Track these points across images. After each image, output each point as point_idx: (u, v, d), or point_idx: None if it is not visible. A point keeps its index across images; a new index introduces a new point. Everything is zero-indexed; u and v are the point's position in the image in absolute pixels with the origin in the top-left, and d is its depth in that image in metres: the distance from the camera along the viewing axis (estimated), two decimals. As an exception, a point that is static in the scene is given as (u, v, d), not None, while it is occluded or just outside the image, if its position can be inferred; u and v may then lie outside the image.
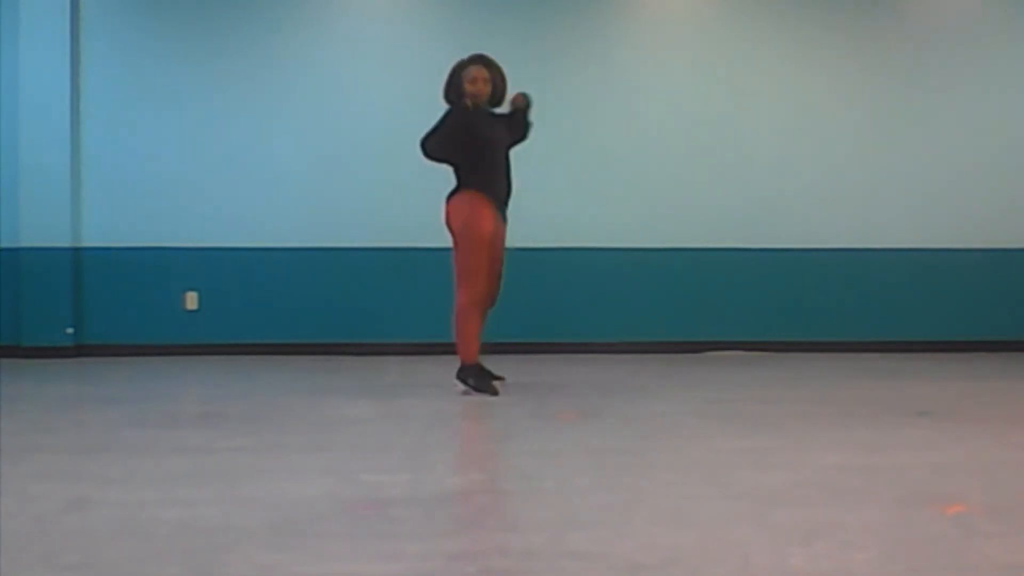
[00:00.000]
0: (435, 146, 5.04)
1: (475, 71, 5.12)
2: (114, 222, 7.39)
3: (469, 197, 5.06)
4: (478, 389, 5.06)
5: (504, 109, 5.36)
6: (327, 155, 7.50)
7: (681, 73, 7.74)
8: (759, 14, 7.78)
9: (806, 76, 7.81)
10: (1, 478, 3.06)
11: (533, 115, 5.41)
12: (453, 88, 5.15)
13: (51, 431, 4.13)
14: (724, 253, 7.68)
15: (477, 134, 5.04)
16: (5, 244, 7.33)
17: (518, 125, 5.34)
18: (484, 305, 5.09)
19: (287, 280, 7.48)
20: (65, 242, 7.31)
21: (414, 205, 7.11)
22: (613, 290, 7.63)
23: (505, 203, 5.19)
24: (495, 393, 5.02)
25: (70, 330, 7.31)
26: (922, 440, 3.86)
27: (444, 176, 5.23)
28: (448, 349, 7.26)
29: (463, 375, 5.11)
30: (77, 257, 7.37)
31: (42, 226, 7.28)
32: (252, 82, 7.49)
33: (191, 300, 7.46)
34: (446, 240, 5.25)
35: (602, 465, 3.37)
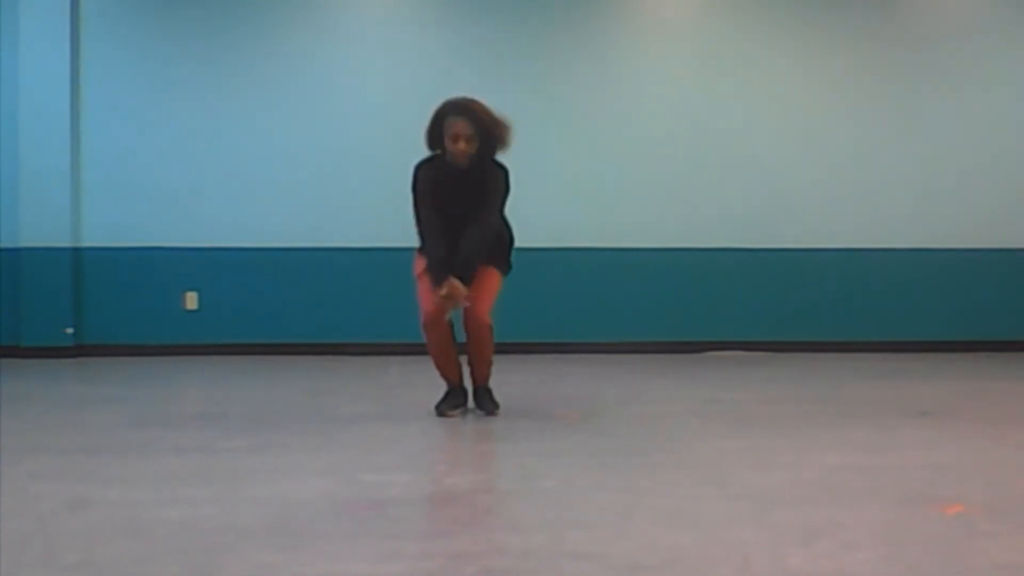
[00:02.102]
0: (424, 228, 4.50)
1: (458, 127, 4.40)
2: (114, 222, 7.39)
3: (420, 261, 4.58)
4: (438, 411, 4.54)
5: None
6: (327, 155, 7.50)
7: (681, 73, 7.73)
8: (759, 15, 7.77)
9: (806, 77, 7.80)
10: (1, 478, 3.06)
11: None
12: (435, 136, 4.52)
13: (51, 431, 4.12)
14: (724, 253, 7.68)
15: (433, 197, 4.48)
16: (5, 244, 7.33)
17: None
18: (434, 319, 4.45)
19: (287, 280, 7.48)
20: (65, 242, 7.30)
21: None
22: (613, 290, 7.62)
23: (463, 271, 4.41)
24: (440, 414, 4.50)
25: (70, 330, 7.30)
26: (922, 440, 3.86)
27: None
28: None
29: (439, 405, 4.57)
30: (77, 257, 7.37)
31: (42, 226, 7.27)
32: (252, 82, 7.49)
33: (191, 300, 7.45)
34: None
35: (602, 465, 3.37)
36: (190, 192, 7.42)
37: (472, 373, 4.66)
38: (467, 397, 4.64)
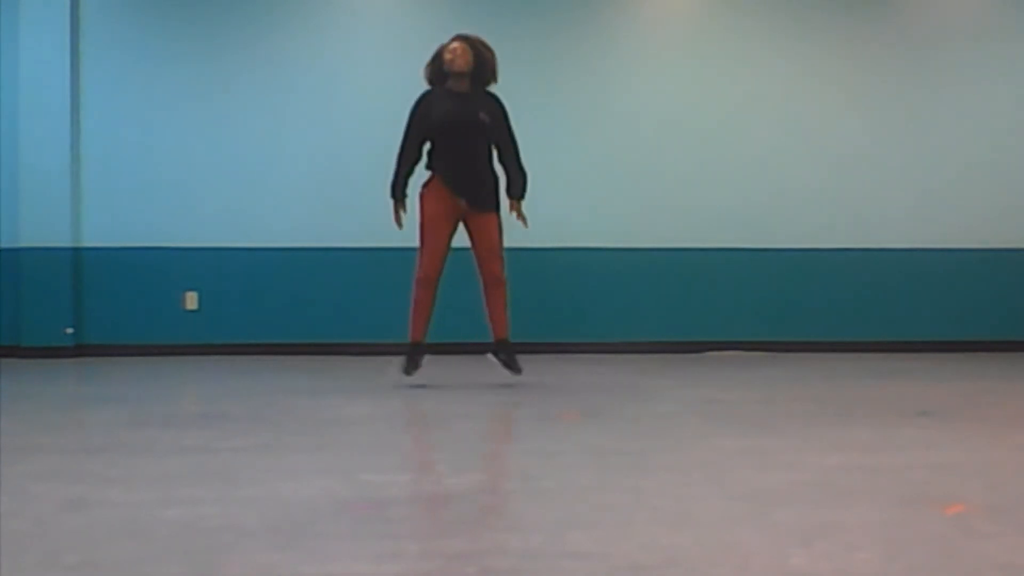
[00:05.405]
0: (401, 158, 5.27)
1: (454, 43, 5.15)
2: (114, 222, 7.39)
3: (426, 183, 5.28)
4: (404, 369, 5.30)
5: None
6: (327, 155, 7.50)
7: (681, 73, 7.73)
8: (760, 15, 7.77)
9: (806, 76, 7.80)
10: (1, 478, 3.06)
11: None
12: (435, 64, 5.19)
13: (51, 431, 4.12)
14: (724, 253, 7.67)
15: (431, 119, 5.14)
16: (5, 244, 7.33)
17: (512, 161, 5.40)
18: (428, 284, 5.22)
19: (287, 280, 7.48)
20: (65, 242, 7.31)
21: (413, 205, 7.09)
22: (613, 290, 7.62)
23: (474, 188, 5.22)
24: (406, 374, 5.27)
25: (70, 330, 7.30)
26: (922, 440, 3.86)
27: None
28: (447, 349, 7.27)
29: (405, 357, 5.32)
30: (77, 257, 7.37)
31: (42, 226, 7.27)
32: (252, 82, 7.49)
33: (191, 300, 7.45)
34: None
35: (602, 465, 3.36)
36: (190, 192, 7.42)
37: (494, 325, 5.28)
38: (424, 354, 5.32)
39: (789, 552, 2.28)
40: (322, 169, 7.49)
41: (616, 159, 7.65)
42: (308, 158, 7.49)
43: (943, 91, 7.84)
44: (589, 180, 7.61)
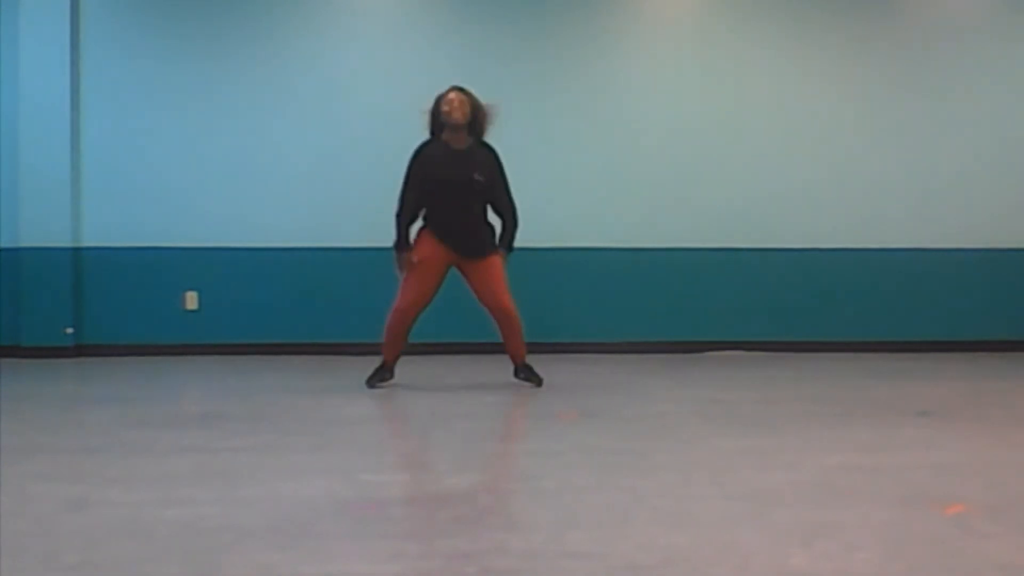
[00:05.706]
0: (403, 208, 5.31)
1: (452, 95, 5.22)
2: (114, 222, 7.38)
3: (423, 227, 5.37)
4: (368, 380, 5.42)
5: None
6: (327, 155, 7.50)
7: (681, 73, 7.73)
8: (759, 14, 7.77)
9: (806, 76, 7.80)
10: (1, 478, 3.06)
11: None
12: (435, 116, 5.26)
13: (51, 431, 4.13)
14: (724, 253, 7.67)
15: (426, 173, 5.22)
16: (5, 244, 7.33)
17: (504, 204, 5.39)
18: (405, 316, 5.35)
19: (287, 280, 7.48)
20: (65, 242, 7.30)
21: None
22: (613, 290, 7.62)
23: (465, 241, 5.26)
24: (369, 386, 5.38)
25: (70, 330, 7.30)
26: (922, 440, 3.86)
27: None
28: (447, 349, 7.28)
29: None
30: (77, 257, 7.37)
31: (42, 226, 7.27)
32: (252, 82, 7.49)
33: (191, 300, 7.45)
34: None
35: (602, 465, 3.37)
36: (190, 192, 7.42)
37: (512, 355, 5.40)
38: (394, 374, 5.47)
39: (789, 552, 2.28)
40: (322, 169, 7.49)
41: (616, 159, 7.65)
42: (308, 158, 7.49)
43: (943, 91, 7.84)
44: (589, 180, 7.61)
